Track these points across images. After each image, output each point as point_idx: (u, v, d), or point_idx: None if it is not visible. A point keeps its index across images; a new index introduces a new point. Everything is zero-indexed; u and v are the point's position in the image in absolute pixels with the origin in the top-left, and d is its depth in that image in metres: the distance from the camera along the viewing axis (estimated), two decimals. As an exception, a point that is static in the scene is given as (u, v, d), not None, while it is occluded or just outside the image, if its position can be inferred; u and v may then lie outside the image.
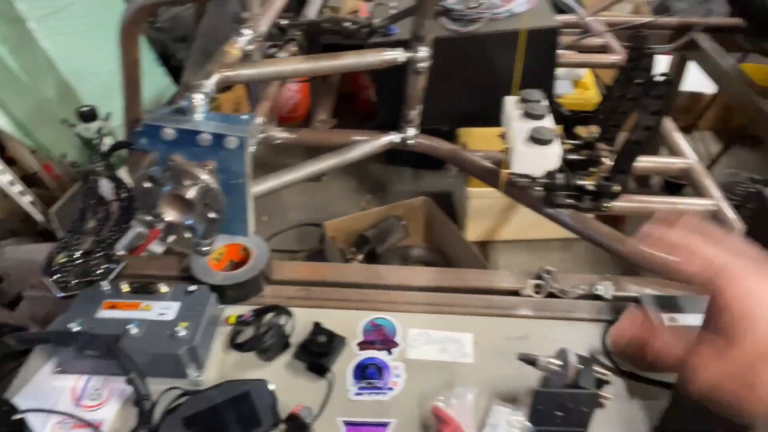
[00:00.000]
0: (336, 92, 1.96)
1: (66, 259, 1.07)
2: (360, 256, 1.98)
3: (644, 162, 1.42)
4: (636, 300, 1.07)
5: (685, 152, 1.47)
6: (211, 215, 0.96)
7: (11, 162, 1.96)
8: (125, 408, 0.89)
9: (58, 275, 1.06)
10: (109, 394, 0.91)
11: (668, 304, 1.02)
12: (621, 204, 1.25)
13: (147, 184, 0.93)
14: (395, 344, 1.02)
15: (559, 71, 2.34)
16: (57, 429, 0.86)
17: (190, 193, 0.91)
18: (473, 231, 2.20)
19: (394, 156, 1.56)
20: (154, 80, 2.21)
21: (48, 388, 0.92)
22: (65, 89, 2.04)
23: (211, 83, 1.01)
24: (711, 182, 1.36)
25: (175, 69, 2.26)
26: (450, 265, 2.04)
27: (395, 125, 1.42)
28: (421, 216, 2.16)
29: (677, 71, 2.17)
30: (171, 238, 0.97)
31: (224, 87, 1.36)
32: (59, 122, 1.19)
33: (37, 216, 1.86)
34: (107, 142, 1.15)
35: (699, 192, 1.36)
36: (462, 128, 2.09)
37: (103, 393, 0.91)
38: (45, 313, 1.08)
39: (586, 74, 2.34)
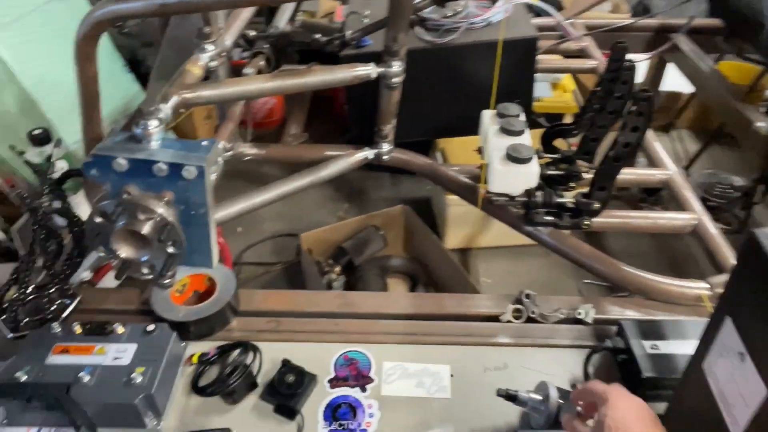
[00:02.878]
0: (309, 104, 1.89)
1: (17, 294, 1.00)
2: (338, 268, 1.92)
3: (624, 174, 1.38)
4: (616, 323, 1.03)
5: (665, 163, 1.44)
6: (170, 250, 0.90)
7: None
8: (79, 463, 0.83)
9: (10, 313, 0.99)
10: (61, 447, 0.85)
11: (650, 331, 0.99)
12: (601, 220, 1.21)
13: (98, 220, 0.87)
14: (369, 380, 0.97)
15: (537, 74, 2.31)
16: (1, 492, 0.80)
17: (146, 229, 0.85)
18: (453, 238, 2.16)
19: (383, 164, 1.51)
20: (123, 87, 2.12)
21: (-6, 443, 0.85)
22: (27, 102, 1.95)
23: (167, 107, 0.95)
24: (692, 195, 1.32)
25: (144, 75, 2.17)
26: (430, 276, 2.00)
27: (369, 139, 1.37)
28: (399, 225, 2.11)
29: (656, 71, 2.15)
30: (131, 273, 0.91)
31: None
32: (8, 147, 1.11)
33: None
34: (61, 167, 1.08)
35: (680, 205, 1.33)
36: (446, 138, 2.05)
37: (55, 446, 0.85)
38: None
39: (564, 77, 2.31)
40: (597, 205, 1.15)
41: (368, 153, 1.33)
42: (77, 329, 0.93)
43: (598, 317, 1.09)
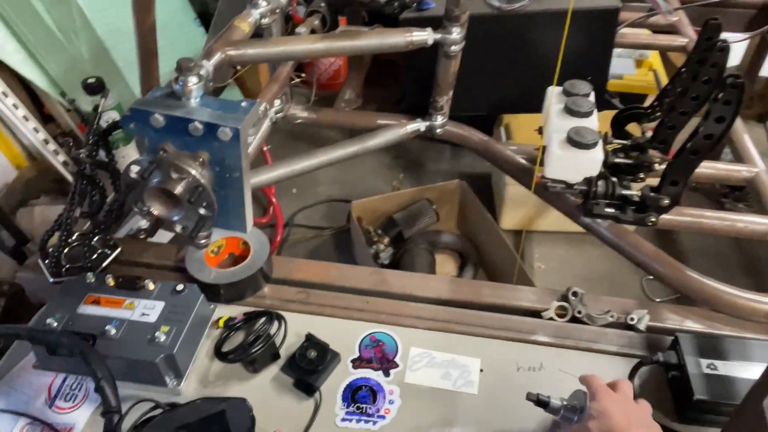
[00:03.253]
0: (367, 69, 1.82)
1: (61, 241, 1.02)
2: (386, 239, 1.89)
3: (702, 168, 1.24)
4: (672, 334, 0.93)
5: (753, 158, 1.28)
6: (202, 211, 0.88)
7: (49, 119, 1.94)
8: (98, 413, 0.84)
9: (52, 258, 1.02)
10: (85, 395, 0.87)
11: (710, 347, 0.89)
12: (669, 218, 1.09)
13: (133, 175, 0.86)
14: (394, 365, 0.93)
15: (621, 48, 2.11)
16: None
17: (178, 189, 0.84)
18: (509, 219, 2.06)
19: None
20: (193, 41, 2.13)
21: (24, 384, 0.88)
22: (99, 48, 1.99)
23: (209, 64, 0.92)
24: (781, 198, 1.17)
25: (216, 29, 2.16)
26: (480, 255, 1.92)
27: (424, 109, 1.30)
28: (454, 200, 2.03)
29: (755, 54, 1.92)
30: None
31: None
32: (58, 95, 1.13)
33: (69, 177, 1.84)
34: (110, 118, 1.08)
35: (764, 207, 1.18)
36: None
37: (79, 394, 0.87)
38: (38, 297, 1.05)
39: (652, 54, 2.10)
40: (666, 201, 1.04)
41: (420, 125, 1.26)
42: (110, 281, 0.94)
43: (652, 325, 0.99)
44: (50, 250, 1.01)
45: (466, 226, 2.03)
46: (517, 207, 1.99)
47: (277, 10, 1.14)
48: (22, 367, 0.90)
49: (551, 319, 1.01)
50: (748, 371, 0.85)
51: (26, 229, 1.63)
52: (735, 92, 0.91)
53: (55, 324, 0.86)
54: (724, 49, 1.00)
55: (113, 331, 0.86)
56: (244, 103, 0.87)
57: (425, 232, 1.97)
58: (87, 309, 0.90)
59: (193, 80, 0.84)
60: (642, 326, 0.99)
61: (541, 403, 0.80)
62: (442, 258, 1.98)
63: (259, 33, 1.10)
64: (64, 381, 0.89)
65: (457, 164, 2.40)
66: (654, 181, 1.07)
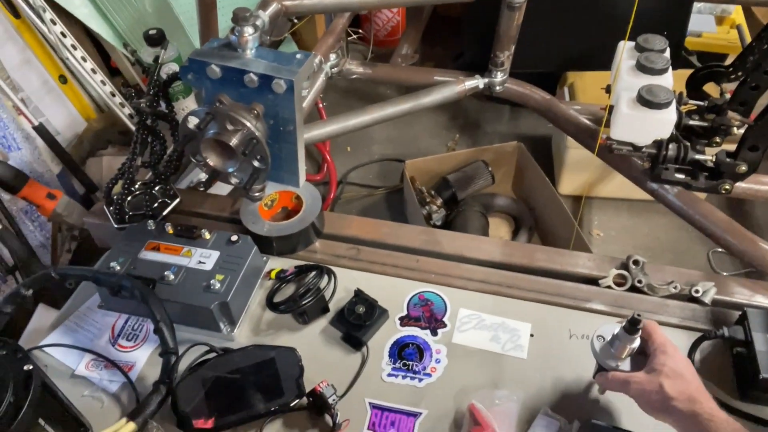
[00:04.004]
0: (425, 24, 1.76)
1: (124, 189, 1.06)
2: (439, 201, 1.86)
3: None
4: (740, 308, 0.88)
5: None
6: (256, 164, 0.89)
7: (116, 73, 2.00)
8: (157, 353, 0.88)
9: (116, 206, 1.06)
10: (145, 336, 0.91)
11: (782, 325, 0.83)
12: (746, 186, 1.02)
13: (191, 126, 0.87)
14: (442, 324, 0.93)
15: (702, 4, 1.95)
16: (90, 367, 0.88)
17: (233, 141, 0.84)
18: (568, 184, 1.99)
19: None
20: (251, -5, 2.13)
21: (90, 323, 0.93)
22: (162, 2, 2.02)
23: (265, 14, 0.91)
24: None
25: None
26: (536, 221, 1.87)
27: (484, 66, 1.25)
28: (511, 163, 1.97)
29: None
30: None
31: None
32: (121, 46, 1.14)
33: (134, 128, 1.90)
34: (171, 69, 1.10)
35: None
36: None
37: (140, 335, 0.92)
38: (103, 242, 1.10)
39: (735, 9, 1.94)
40: (744, 168, 0.97)
41: (479, 81, 1.21)
42: (169, 229, 0.97)
43: (718, 298, 0.94)
44: (114, 197, 1.05)
45: (522, 189, 1.98)
46: (577, 171, 1.92)
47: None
48: (89, 307, 0.96)
49: (609, 287, 0.97)
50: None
51: (95, 178, 1.71)
52: (834, 48, 0.82)
53: (118, 268, 0.90)
54: (825, 0, 0.90)
55: (171, 277, 0.89)
56: (298, 55, 0.86)
57: (479, 195, 1.93)
58: (147, 255, 0.93)
59: (249, 30, 0.84)
60: (707, 299, 0.93)
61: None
62: (496, 222, 1.94)
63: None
64: (126, 321, 0.94)
65: (516, 126, 2.32)
66: (730, 147, 1.00)
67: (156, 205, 1.08)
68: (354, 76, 1.35)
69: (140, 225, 0.99)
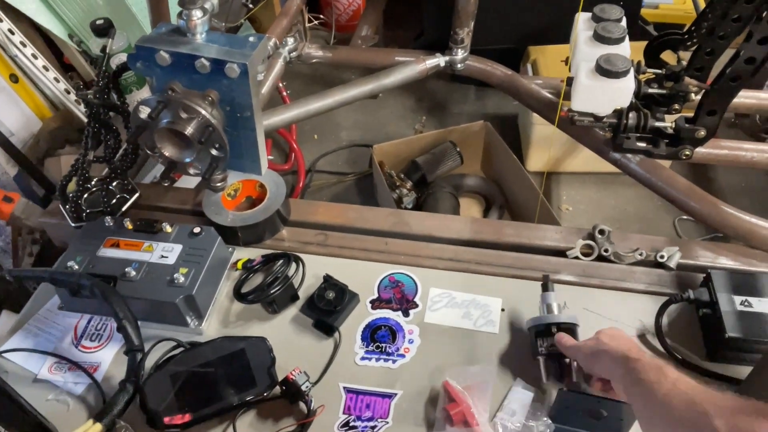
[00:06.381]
0: (384, 4, 1.74)
1: (79, 186, 1.02)
2: (409, 183, 1.86)
3: (744, 98, 1.16)
4: (705, 271, 0.89)
5: (802, 87, 1.18)
6: (214, 152, 0.86)
7: (70, 68, 1.93)
8: (123, 352, 0.86)
9: (72, 204, 1.02)
10: (110, 336, 0.89)
11: (744, 284, 0.84)
12: (706, 151, 1.03)
13: (142, 116, 0.84)
14: (414, 305, 0.92)
15: (658, -25, 1.97)
16: (53, 370, 0.85)
17: (188, 129, 0.82)
18: (536, 160, 2.00)
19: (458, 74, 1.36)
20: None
21: (51, 325, 0.90)
22: (114, -5, 1.95)
23: (214, -4, 0.87)
24: (830, 128, 1.09)
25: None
26: (506, 199, 1.88)
27: (445, 44, 1.23)
28: (479, 142, 1.98)
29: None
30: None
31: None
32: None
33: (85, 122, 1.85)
34: (118, 61, 1.06)
35: (811, 139, 1.10)
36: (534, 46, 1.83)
37: (104, 334, 0.89)
38: (61, 241, 1.06)
39: (691, -21, 1.96)
40: (702, 133, 0.98)
41: (440, 60, 1.20)
42: (128, 225, 0.94)
43: (684, 262, 0.95)
44: (70, 195, 1.02)
45: (491, 168, 1.98)
46: (544, 147, 1.93)
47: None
48: (48, 309, 0.92)
49: (576, 258, 0.98)
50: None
51: (54, 179, 1.66)
52: (783, 8, 0.83)
53: (76, 267, 0.87)
54: (773, -38, 0.91)
55: (133, 273, 0.86)
56: (251, 38, 0.83)
57: (449, 176, 1.93)
58: (107, 252, 0.90)
59: (197, 14, 0.81)
60: (672, 264, 0.95)
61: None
62: (467, 202, 1.94)
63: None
64: (89, 322, 0.91)
65: (483, 106, 2.32)
66: (690, 114, 1.01)
67: (114, 201, 1.05)
68: (314, 60, 1.33)
69: (98, 222, 0.95)
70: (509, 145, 1.83)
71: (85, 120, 1.70)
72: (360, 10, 2.57)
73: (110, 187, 1.06)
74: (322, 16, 2.62)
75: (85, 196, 1.04)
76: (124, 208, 1.05)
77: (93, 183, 1.05)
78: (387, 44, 2.27)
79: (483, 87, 2.32)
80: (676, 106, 1.06)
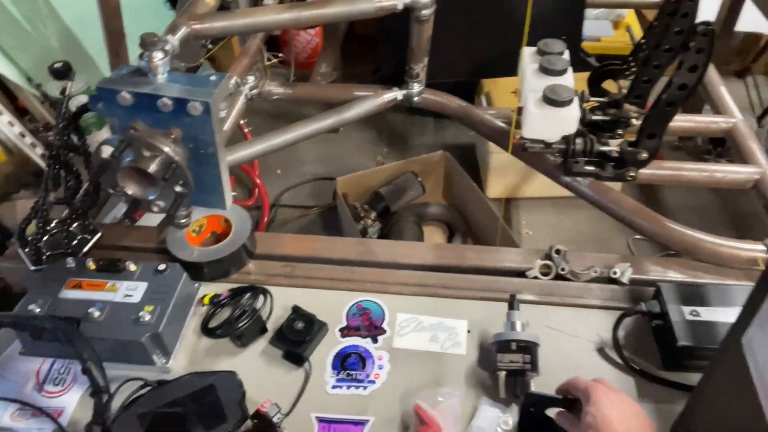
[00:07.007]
0: (341, 41, 1.80)
1: (39, 228, 1.01)
2: (373, 214, 1.89)
3: (681, 122, 1.25)
4: (655, 285, 0.94)
5: (730, 109, 1.28)
6: (178, 189, 0.87)
7: (24, 112, 1.91)
8: (88, 395, 0.84)
9: (32, 246, 1.01)
10: (73, 379, 0.87)
11: (692, 295, 0.90)
12: (649, 172, 1.10)
13: (104, 156, 0.84)
14: (382, 331, 0.94)
15: (598, 11, 2.11)
16: (15, 417, 0.83)
17: (151, 167, 0.83)
18: (495, 187, 2.07)
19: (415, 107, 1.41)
20: (164, 24, 2.10)
21: (12, 371, 0.88)
22: (69, 37, 1.95)
23: (174, 39, 0.90)
24: (757, 146, 1.18)
25: (184, 13, 2.13)
26: (469, 225, 1.93)
27: (401, 79, 1.29)
28: (439, 172, 2.03)
29: (732, 7, 1.91)
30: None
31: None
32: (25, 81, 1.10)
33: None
34: (78, 103, 1.06)
35: (742, 157, 1.19)
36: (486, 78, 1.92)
37: (68, 378, 0.87)
38: (21, 286, 1.04)
39: (628, 14, 2.10)
40: (645, 155, 1.04)
41: (397, 93, 1.25)
42: (91, 265, 0.93)
43: (635, 277, 1.00)
44: (29, 238, 1.00)
45: (452, 196, 2.04)
46: (502, 175, 2.00)
47: (245, -17, 1.12)
48: (9, 355, 0.90)
49: (536, 278, 1.01)
50: (729, 315, 0.86)
51: (9, 224, 1.62)
52: (706, 40, 0.91)
53: (38, 310, 0.86)
54: (695, -1, 1.00)
55: (97, 314, 0.85)
56: (213, 77, 0.85)
57: (412, 205, 1.97)
58: (69, 293, 0.89)
59: (158, 55, 0.83)
60: (625, 279, 0.99)
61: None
62: (430, 230, 1.98)
63: (226, 7, 1.08)
64: (52, 366, 0.89)
65: (442, 136, 2.39)
66: (632, 138, 1.08)
67: (75, 242, 1.04)
68: (275, 97, 1.36)
69: (59, 264, 0.94)
70: (469, 173, 1.89)
71: (41, 163, 1.69)
72: (318, 48, 2.63)
73: (71, 229, 1.05)
74: (281, 55, 2.66)
75: (45, 238, 1.02)
76: (85, 249, 1.04)
77: (53, 225, 1.04)
78: (346, 80, 2.33)
79: (441, 119, 2.39)
80: (620, 131, 1.13)
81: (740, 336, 0.63)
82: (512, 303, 0.90)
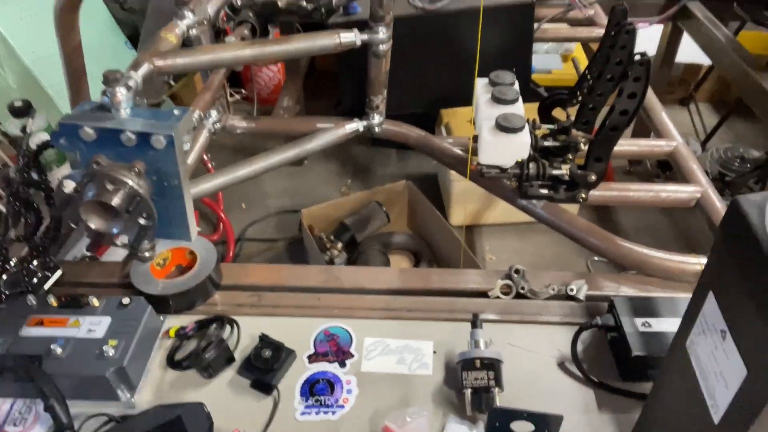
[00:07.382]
0: (303, 76, 1.85)
1: (-2, 267, 0.99)
2: (339, 245, 1.91)
3: (626, 146, 1.33)
4: (609, 299, 0.99)
5: (671, 134, 1.37)
6: (142, 222, 0.88)
7: (-19, 153, 1.87)
8: (50, 435, 0.82)
9: (-10, 286, 0.99)
10: (35, 418, 0.85)
11: (643, 308, 0.94)
12: (599, 193, 1.16)
13: (67, 191, 0.85)
14: (349, 355, 0.95)
15: (548, 45, 2.23)
16: (-27, 461, 0.80)
17: (115, 200, 0.83)
18: (458, 215, 2.12)
19: (377, 138, 1.46)
20: (125, 63, 2.11)
21: (-31, 414, 0.86)
22: (27, 77, 1.95)
23: (137, 75, 0.92)
24: (697, 167, 1.26)
25: (144, 51, 2.15)
26: (434, 253, 1.97)
27: (362, 111, 1.33)
28: (403, 201, 2.07)
29: (671, 40, 2.05)
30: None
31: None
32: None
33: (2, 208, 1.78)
34: (41, 139, 1.06)
35: (684, 177, 1.26)
36: (444, 109, 1.99)
37: (29, 417, 0.85)
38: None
39: (576, 48, 2.22)
40: (593, 177, 1.10)
41: (359, 125, 1.29)
42: (53, 302, 0.92)
43: (591, 294, 1.05)
44: (-13, 277, 0.98)
45: (417, 225, 2.08)
46: (464, 202, 2.06)
47: (205, 21, 1.15)
48: (-34, 398, 0.87)
49: (497, 297, 1.05)
50: (677, 325, 0.91)
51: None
52: (642, 69, 0.98)
53: (-2, 348, 0.84)
54: (631, 32, 1.08)
55: (59, 350, 0.84)
56: (176, 111, 0.87)
57: (378, 235, 2.00)
58: (30, 331, 0.88)
59: (122, 91, 0.84)
60: (581, 295, 1.04)
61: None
62: (396, 258, 2.01)
63: (188, 45, 1.11)
64: (12, 406, 0.86)
65: (404, 166, 2.45)
66: (582, 161, 1.14)
67: (36, 280, 1.02)
68: (239, 131, 1.38)
69: (18, 302, 0.93)
70: (432, 202, 1.94)
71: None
72: (280, 84, 2.68)
73: (31, 266, 1.03)
74: (244, 91, 2.70)
75: (4, 277, 1.01)
76: (46, 287, 1.02)
77: (12, 264, 1.03)
78: (308, 113, 2.38)
79: (403, 149, 2.45)
80: (570, 156, 1.18)
81: (684, 340, 0.68)
82: (475, 322, 0.93)
